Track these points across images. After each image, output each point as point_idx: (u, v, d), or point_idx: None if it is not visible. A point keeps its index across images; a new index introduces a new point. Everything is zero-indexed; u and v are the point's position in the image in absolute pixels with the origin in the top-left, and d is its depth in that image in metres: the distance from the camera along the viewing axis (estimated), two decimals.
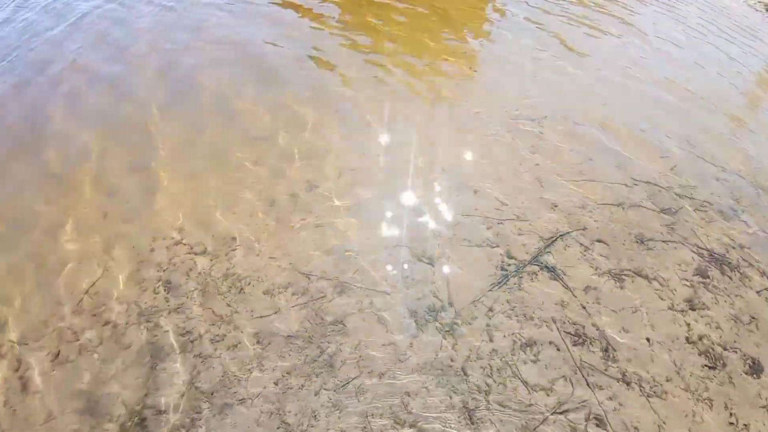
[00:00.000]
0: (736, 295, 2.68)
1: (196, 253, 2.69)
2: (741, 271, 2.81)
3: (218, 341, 2.30)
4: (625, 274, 2.69)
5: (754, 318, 2.59)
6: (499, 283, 2.55)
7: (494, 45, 5.07)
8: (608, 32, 5.62)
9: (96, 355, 2.24)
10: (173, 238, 2.75)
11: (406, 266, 2.63)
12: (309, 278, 2.56)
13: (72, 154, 3.28)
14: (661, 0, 6.98)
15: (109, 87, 3.91)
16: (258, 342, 2.30)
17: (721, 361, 2.38)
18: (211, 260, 2.65)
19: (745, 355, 2.42)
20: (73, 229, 2.79)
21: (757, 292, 2.72)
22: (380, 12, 5.37)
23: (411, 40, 4.93)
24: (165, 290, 2.51)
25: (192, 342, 2.29)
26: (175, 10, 5.11)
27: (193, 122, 3.56)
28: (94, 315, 2.40)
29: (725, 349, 2.43)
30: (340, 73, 4.25)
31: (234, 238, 2.77)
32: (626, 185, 3.24)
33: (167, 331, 2.34)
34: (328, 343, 2.29)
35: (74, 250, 2.69)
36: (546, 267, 2.66)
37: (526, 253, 2.73)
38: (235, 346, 2.28)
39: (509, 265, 2.65)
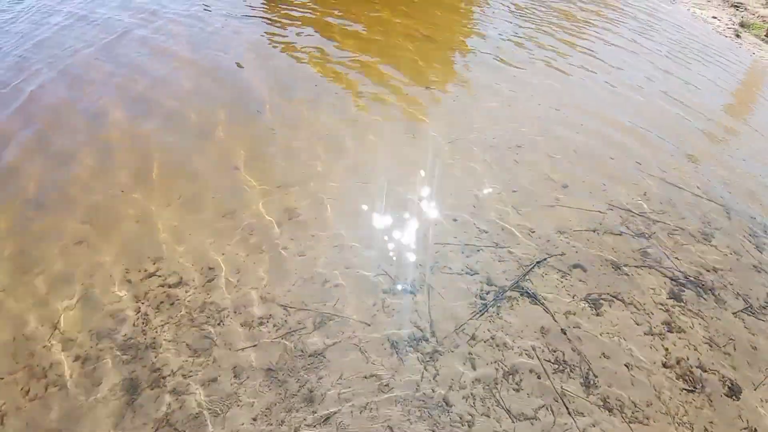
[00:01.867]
0: (712, 318, 2.73)
1: (171, 285, 2.64)
2: (716, 294, 2.88)
3: (194, 376, 2.23)
4: (603, 299, 2.73)
5: (730, 339, 2.64)
6: (480, 311, 2.56)
7: (470, 75, 5.24)
8: (577, 67, 5.87)
9: (67, 391, 2.15)
10: (147, 270, 2.71)
11: (386, 296, 2.62)
12: (288, 310, 2.53)
13: (56, 174, 3.24)
14: (628, 32, 7.36)
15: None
16: (236, 376, 2.24)
17: (700, 384, 2.40)
18: (188, 291, 2.61)
19: (723, 377, 2.45)
20: (47, 257, 2.74)
21: (733, 314, 2.78)
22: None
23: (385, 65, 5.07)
24: (141, 322, 2.45)
25: (166, 377, 2.22)
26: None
27: (174, 147, 3.57)
28: (65, 349, 2.32)
29: (704, 372, 2.46)
30: (323, 99, 4.33)
31: (212, 269, 2.74)
32: (600, 211, 3.33)
33: (143, 365, 2.26)
34: (308, 376, 2.24)
35: (46, 279, 2.62)
36: (526, 293, 2.68)
37: (506, 280, 2.75)
38: (213, 380, 2.22)
39: (489, 292, 2.66)
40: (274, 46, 5.49)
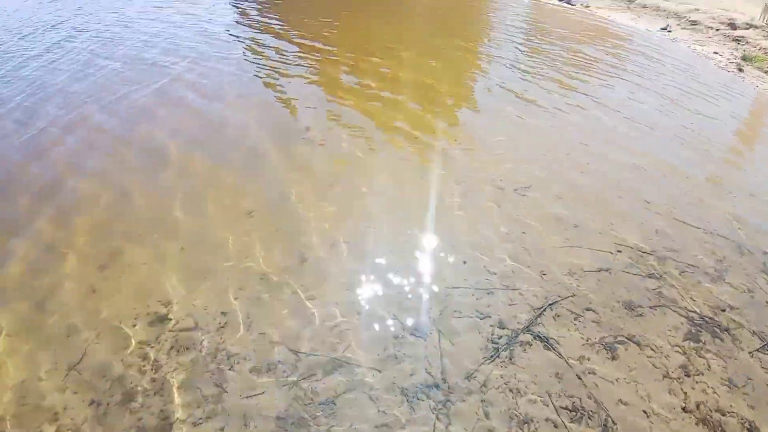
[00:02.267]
0: (729, 358, 2.66)
1: (183, 329, 2.65)
2: (731, 333, 2.81)
3: (203, 424, 2.21)
4: (618, 342, 2.68)
5: (749, 379, 2.56)
6: (492, 356, 2.52)
7: (475, 117, 5.36)
8: (582, 106, 5.97)
9: None
10: (159, 313, 2.73)
11: (397, 341, 2.60)
12: (298, 355, 2.52)
13: (67, 217, 3.33)
14: (631, 70, 7.51)
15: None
16: (245, 425, 2.21)
17: (720, 428, 2.32)
18: (200, 336, 2.61)
19: (742, 419, 2.37)
20: (60, 301, 2.78)
21: (749, 353, 2.70)
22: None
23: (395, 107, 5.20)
24: (151, 368, 2.45)
25: (173, 424, 2.20)
26: None
27: (185, 198, 3.66)
28: (76, 393, 2.32)
29: (723, 415, 2.38)
30: (323, 144, 4.44)
31: (224, 313, 2.76)
32: (611, 252, 3.31)
33: (151, 413, 2.25)
34: (318, 425, 2.21)
35: (59, 323, 2.66)
36: (538, 337, 2.65)
37: (518, 323, 2.72)
38: (221, 429, 2.20)
39: (501, 336, 2.63)
40: (309, 86, 5.71)
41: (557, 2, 14.83)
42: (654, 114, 5.85)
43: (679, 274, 3.15)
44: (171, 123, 4.92)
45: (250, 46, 7.87)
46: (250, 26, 9.58)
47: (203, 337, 2.61)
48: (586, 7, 13.82)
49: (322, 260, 3.12)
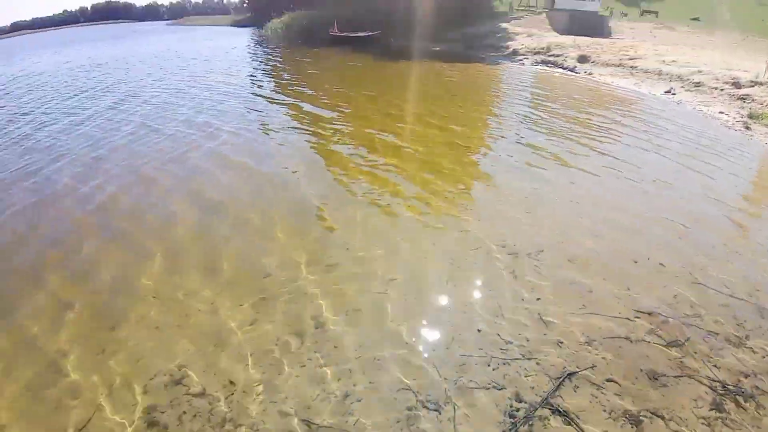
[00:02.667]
0: (754, 426, 2.52)
1: (194, 395, 2.67)
2: (756, 401, 2.68)
3: None
4: (642, 416, 2.57)
5: None
6: (510, 430, 2.45)
7: (487, 183, 5.52)
8: (592, 169, 6.10)
9: None
10: (172, 377, 2.76)
11: (410, 413, 2.55)
12: (310, 426, 2.49)
13: (79, 276, 3.46)
14: (639, 133, 7.68)
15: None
16: None
17: None
18: (210, 404, 2.62)
19: None
20: (73, 362, 2.85)
21: None
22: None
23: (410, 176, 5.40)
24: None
25: None
26: None
27: (201, 258, 3.80)
28: None
29: None
30: (343, 214, 4.61)
31: (232, 382, 2.76)
32: (629, 318, 3.25)
33: None
34: None
35: (71, 385, 2.72)
36: (558, 411, 2.56)
37: (536, 396, 2.65)
38: None
39: (518, 410, 2.56)
40: (322, 157, 6.04)
41: (561, 70, 15.54)
42: (664, 175, 5.91)
43: (701, 341, 3.06)
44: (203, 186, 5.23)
45: (287, 113, 8.41)
46: (286, 95, 10.26)
47: (214, 404, 2.61)
48: (589, 74, 14.42)
49: (336, 328, 3.14)
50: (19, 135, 7.92)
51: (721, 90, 11.10)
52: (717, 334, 3.13)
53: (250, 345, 3.03)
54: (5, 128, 8.47)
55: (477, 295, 3.47)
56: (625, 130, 8.15)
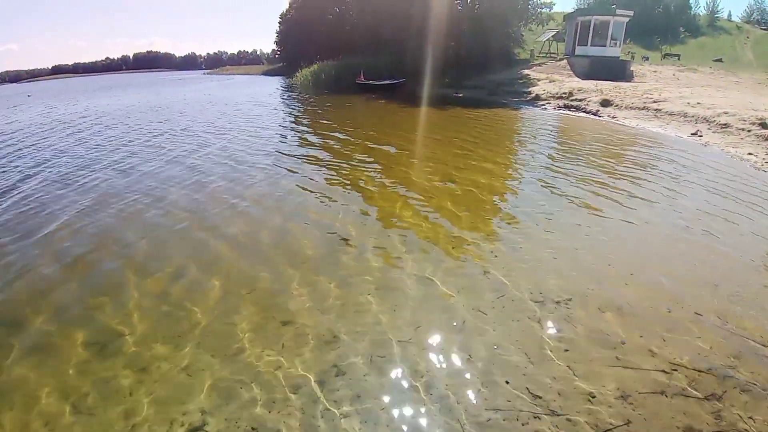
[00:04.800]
0: None
1: None
2: None
3: None
4: None
5: None
6: None
7: (511, 230, 5.54)
8: (621, 213, 6.07)
9: None
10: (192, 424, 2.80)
11: None
12: None
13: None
14: (667, 177, 7.63)
15: None
16: None
17: None
18: None
19: None
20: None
21: None
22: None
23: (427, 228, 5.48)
24: None
25: None
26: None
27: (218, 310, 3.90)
28: None
29: None
30: (367, 259, 4.69)
31: (255, 428, 2.77)
32: (665, 371, 3.16)
33: None
34: None
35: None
36: None
37: None
38: None
39: None
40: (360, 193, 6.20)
41: (585, 114, 15.68)
42: (696, 220, 5.82)
43: (739, 393, 2.94)
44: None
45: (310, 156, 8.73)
46: (314, 137, 10.68)
47: None
48: (613, 117, 14.50)
49: (356, 375, 3.15)
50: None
51: (749, 131, 10.98)
52: (755, 384, 3.00)
53: (267, 390, 3.06)
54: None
55: (504, 344, 3.43)
56: (653, 173, 8.11)
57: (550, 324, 3.64)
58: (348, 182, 7.71)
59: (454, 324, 3.71)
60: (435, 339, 3.53)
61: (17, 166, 9.92)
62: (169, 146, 11.63)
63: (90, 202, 6.98)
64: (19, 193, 7.68)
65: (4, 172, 9.53)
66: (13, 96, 45.07)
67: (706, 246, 5.12)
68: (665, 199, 6.63)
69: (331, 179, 7.95)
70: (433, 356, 3.35)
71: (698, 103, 13.96)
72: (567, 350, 3.34)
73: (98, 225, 6.07)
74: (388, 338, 3.55)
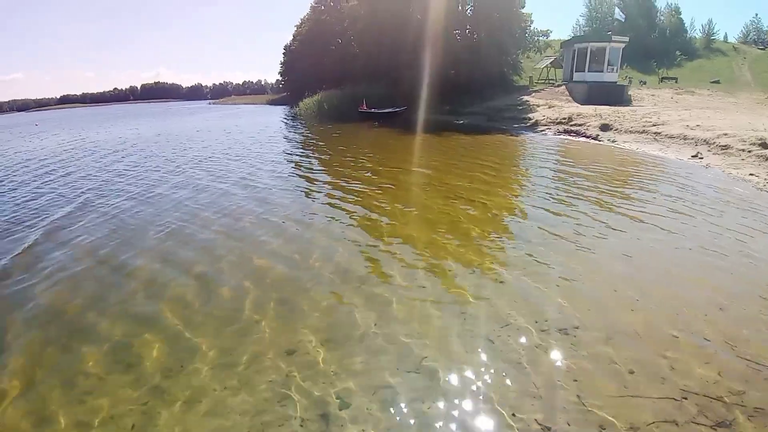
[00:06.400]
0: None
1: None
2: None
3: None
4: None
5: None
6: None
7: (515, 257, 5.57)
8: (624, 237, 6.10)
9: None
10: None
11: None
12: None
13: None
14: (670, 199, 7.67)
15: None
16: None
17: None
18: None
19: None
20: None
21: None
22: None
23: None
24: None
25: None
26: None
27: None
28: None
29: None
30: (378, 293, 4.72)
31: None
32: (675, 399, 3.14)
33: None
34: None
35: None
36: None
37: None
38: None
39: None
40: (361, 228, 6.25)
41: (584, 138, 15.88)
42: (701, 242, 5.84)
43: (747, 419, 2.92)
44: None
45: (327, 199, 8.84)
46: (319, 167, 10.82)
47: None
48: (613, 141, 14.66)
49: (366, 407, 3.13)
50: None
51: (749, 152, 11.07)
52: (763, 410, 2.98)
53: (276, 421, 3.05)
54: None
55: (509, 374, 3.42)
56: (655, 196, 8.16)
57: (556, 353, 3.64)
58: (360, 207, 7.80)
59: (456, 354, 3.69)
60: (440, 368, 3.51)
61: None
62: (199, 173, 12.03)
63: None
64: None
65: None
66: (22, 125, 46.30)
67: (711, 268, 5.12)
68: (668, 223, 6.66)
69: (352, 201, 8.04)
70: (438, 387, 3.33)
71: (697, 125, 14.12)
72: (576, 380, 3.33)
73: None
74: (395, 369, 3.53)
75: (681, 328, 3.95)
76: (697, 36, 55.48)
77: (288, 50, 66.84)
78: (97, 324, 4.44)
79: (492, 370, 3.48)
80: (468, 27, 32.20)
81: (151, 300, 4.88)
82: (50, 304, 4.89)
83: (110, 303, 4.85)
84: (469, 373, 3.46)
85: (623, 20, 34.08)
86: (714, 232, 6.22)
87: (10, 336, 4.30)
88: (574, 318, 4.12)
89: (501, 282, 4.90)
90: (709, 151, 12.00)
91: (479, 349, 3.74)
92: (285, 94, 69.30)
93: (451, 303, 4.51)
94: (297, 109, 38.64)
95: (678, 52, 47.98)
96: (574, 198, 8.19)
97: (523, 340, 3.83)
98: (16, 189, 11.24)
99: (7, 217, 8.45)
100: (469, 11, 32.10)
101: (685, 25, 55.26)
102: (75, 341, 4.17)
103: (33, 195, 10.37)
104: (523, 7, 31.19)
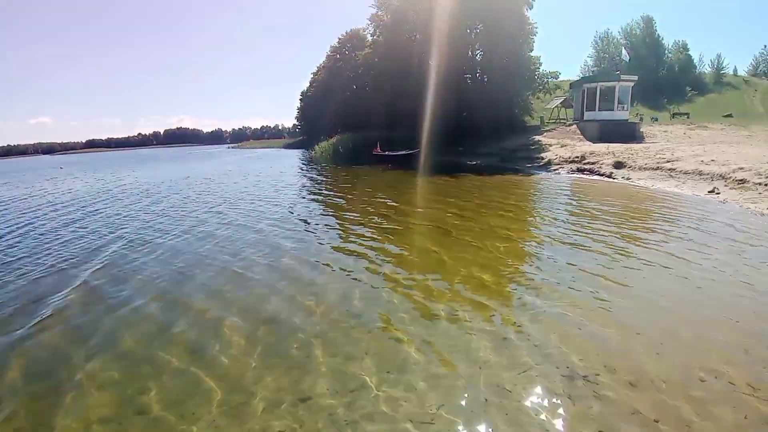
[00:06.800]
0: None
1: None
2: None
3: None
4: None
5: None
6: None
7: (532, 299, 5.56)
8: (647, 276, 6.06)
9: None
10: None
11: None
12: None
13: None
14: (690, 235, 7.62)
15: None
16: None
17: None
18: None
19: None
20: None
21: None
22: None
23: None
24: None
25: None
26: None
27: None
28: None
29: None
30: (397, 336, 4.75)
31: None
32: None
33: None
34: None
35: None
36: None
37: None
38: None
39: None
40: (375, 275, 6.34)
41: (598, 177, 15.95)
42: (724, 281, 5.75)
43: None
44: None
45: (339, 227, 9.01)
46: (335, 210, 11.04)
47: None
48: (628, 179, 14.69)
49: None
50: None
51: (766, 185, 10.99)
52: None
53: None
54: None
55: (531, 424, 3.38)
56: (674, 235, 8.09)
57: (579, 401, 3.59)
58: (387, 245, 7.90)
59: (473, 401, 3.64)
60: (458, 419, 3.47)
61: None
62: (232, 214, 12.49)
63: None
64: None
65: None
66: (47, 167, 48.30)
67: (735, 308, 5.03)
68: (689, 262, 6.57)
69: (380, 239, 8.16)
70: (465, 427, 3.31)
71: (712, 160, 14.12)
72: (601, 431, 3.29)
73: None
74: (414, 419, 3.51)
75: (706, 371, 3.87)
76: (706, 71, 56.14)
77: (305, 96, 69.58)
78: (105, 369, 4.53)
79: (510, 419, 3.41)
80: (478, 71, 33.28)
81: (160, 343, 4.99)
82: (57, 349, 5.03)
83: (117, 348, 4.95)
84: (486, 423, 3.40)
85: (628, 60, 34.82)
86: (736, 271, 6.13)
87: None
88: (597, 363, 4.04)
89: (519, 326, 4.86)
90: (725, 185, 11.95)
91: (496, 397, 3.67)
92: (301, 138, 71.58)
93: (465, 348, 4.46)
94: (313, 152, 39.69)
95: (688, 88, 48.47)
96: (591, 239, 8.16)
97: (543, 387, 3.76)
98: (34, 231, 11.75)
99: (22, 259, 8.79)
100: (478, 56, 33.25)
101: (694, 61, 56.13)
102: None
103: (51, 237, 10.75)
104: (531, 51, 32.20)
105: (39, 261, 8.51)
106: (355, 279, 6.67)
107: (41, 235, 11.08)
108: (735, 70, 58.34)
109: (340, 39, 54.78)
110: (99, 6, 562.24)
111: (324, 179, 22.52)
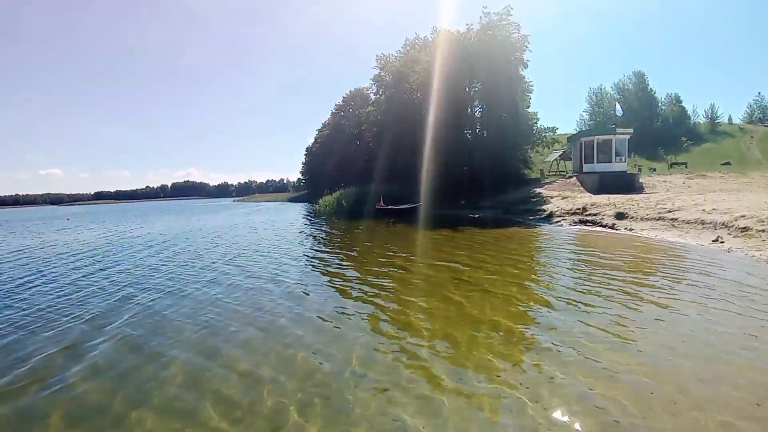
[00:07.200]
0: None
1: None
2: None
3: None
4: None
5: None
6: None
7: (540, 361, 5.45)
8: (660, 335, 5.97)
9: None
10: None
11: None
12: None
13: None
14: (697, 287, 7.54)
15: None
16: None
17: None
18: None
19: None
20: None
21: None
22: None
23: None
24: None
25: None
26: None
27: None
28: None
29: None
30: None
31: None
32: None
33: None
34: None
35: None
36: None
37: None
38: None
39: None
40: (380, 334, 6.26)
41: (601, 228, 16.01)
42: (735, 334, 5.65)
43: None
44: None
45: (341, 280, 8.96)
46: (336, 262, 11.03)
47: None
48: (630, 230, 14.74)
49: None
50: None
51: None
52: None
53: None
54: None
55: None
56: (682, 287, 7.99)
57: None
58: (391, 303, 7.84)
59: None
60: None
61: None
62: (231, 269, 12.39)
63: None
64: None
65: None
66: (53, 218, 48.88)
67: (747, 364, 4.91)
68: (699, 315, 6.47)
69: (383, 296, 8.10)
70: None
71: (714, 208, 14.21)
72: None
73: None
74: None
75: (722, 428, 3.76)
76: (701, 121, 57.72)
77: (309, 152, 71.55)
78: (141, 420, 4.45)
79: None
80: (478, 126, 34.40)
81: (194, 396, 4.89)
82: (95, 399, 4.94)
83: (153, 399, 4.86)
84: None
85: (622, 114, 35.96)
86: (748, 323, 6.03)
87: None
88: (610, 425, 3.92)
89: (527, 386, 4.74)
90: (729, 234, 11.96)
91: None
92: (305, 191, 72.90)
93: (471, 408, 4.35)
94: (317, 206, 40.23)
95: (684, 138, 49.59)
96: (598, 293, 8.06)
97: None
98: (55, 281, 11.66)
99: (50, 309, 8.72)
100: (477, 112, 34.51)
101: (688, 112, 57.86)
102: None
103: (73, 288, 10.67)
104: (528, 107, 33.44)
105: (66, 312, 8.43)
106: (373, 331, 6.60)
107: (66, 285, 11.05)
108: (730, 119, 60.02)
109: (344, 97, 57.30)
110: (114, 65, 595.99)
111: (330, 233, 22.64)
